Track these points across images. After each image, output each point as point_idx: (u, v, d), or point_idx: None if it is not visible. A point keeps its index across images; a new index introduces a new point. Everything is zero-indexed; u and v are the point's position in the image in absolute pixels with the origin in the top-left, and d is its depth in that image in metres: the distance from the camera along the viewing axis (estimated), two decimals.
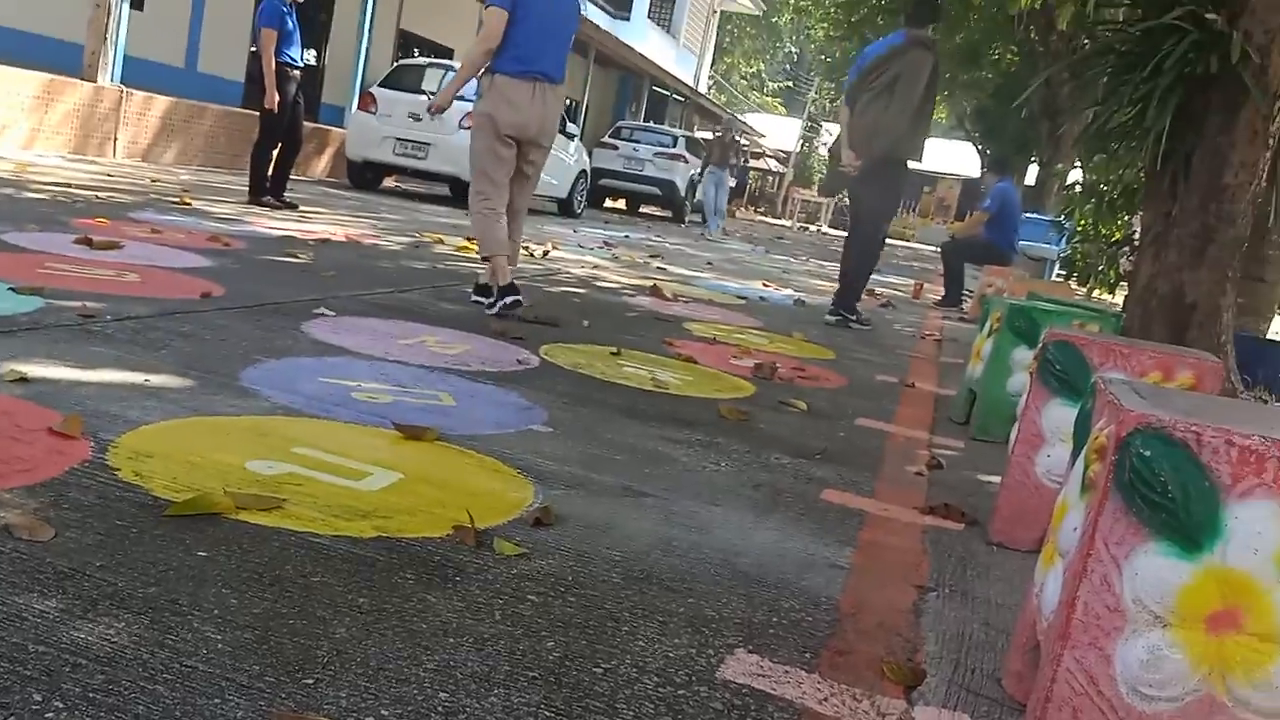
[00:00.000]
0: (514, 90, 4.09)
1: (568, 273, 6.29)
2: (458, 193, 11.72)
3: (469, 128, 4.29)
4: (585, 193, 14.53)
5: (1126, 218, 7.09)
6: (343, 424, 2.23)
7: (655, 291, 5.72)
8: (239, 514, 1.62)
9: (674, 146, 17.73)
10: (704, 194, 14.31)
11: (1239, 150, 3.61)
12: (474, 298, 4.27)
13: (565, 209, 14.05)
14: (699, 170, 18.77)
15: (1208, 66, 3.52)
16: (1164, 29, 3.59)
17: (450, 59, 14.65)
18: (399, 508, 1.77)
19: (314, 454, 1.98)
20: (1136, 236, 6.20)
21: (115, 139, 9.13)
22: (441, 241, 6.81)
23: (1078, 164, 11.72)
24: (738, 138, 14.61)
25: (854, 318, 5.76)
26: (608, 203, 19.62)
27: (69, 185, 6.34)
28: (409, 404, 2.49)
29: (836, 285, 5.93)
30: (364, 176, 11.38)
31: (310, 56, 13.62)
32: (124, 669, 1.14)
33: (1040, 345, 2.21)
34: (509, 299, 4.07)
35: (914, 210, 39.02)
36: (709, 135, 14.45)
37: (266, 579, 1.42)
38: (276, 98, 7.34)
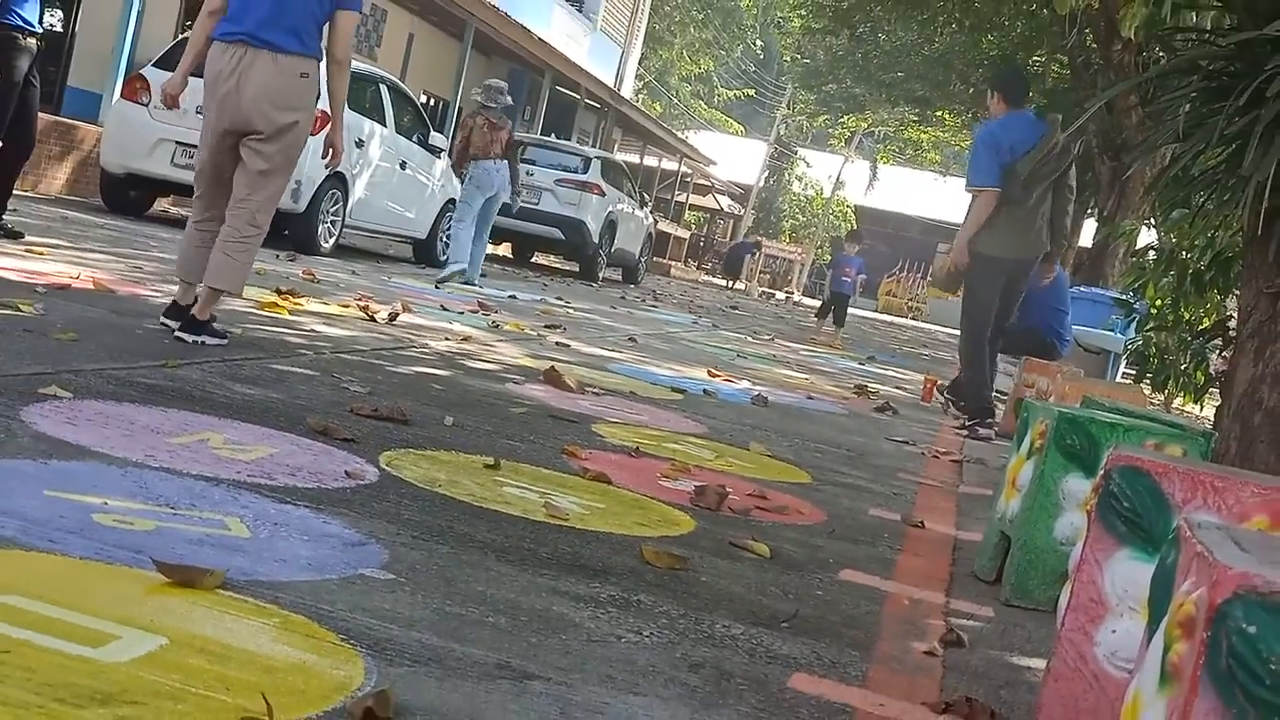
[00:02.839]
0: (215, 59, 4.65)
1: (425, 346, 6.28)
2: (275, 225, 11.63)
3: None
4: None
5: (1219, 298, 7.35)
6: (77, 561, 2.19)
7: (552, 378, 5.75)
8: None
9: (584, 172, 18.01)
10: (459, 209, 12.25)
11: None
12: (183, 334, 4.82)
13: (425, 255, 14.11)
14: (619, 205, 19.00)
15: None
16: (1267, 43, 3.78)
17: None
18: (158, 690, 1.74)
19: (30, 606, 1.94)
20: (1232, 324, 6.44)
21: None
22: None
23: (1150, 221, 12.17)
24: (500, 104, 11.98)
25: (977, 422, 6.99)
26: (488, 248, 19.70)
27: None
28: (180, 533, 2.46)
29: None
30: (126, 196, 11.29)
31: (54, 19, 13.55)
32: None
33: (1102, 473, 2.26)
34: (174, 323, 4.82)
35: (922, 276, 39.88)
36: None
37: None
38: None
